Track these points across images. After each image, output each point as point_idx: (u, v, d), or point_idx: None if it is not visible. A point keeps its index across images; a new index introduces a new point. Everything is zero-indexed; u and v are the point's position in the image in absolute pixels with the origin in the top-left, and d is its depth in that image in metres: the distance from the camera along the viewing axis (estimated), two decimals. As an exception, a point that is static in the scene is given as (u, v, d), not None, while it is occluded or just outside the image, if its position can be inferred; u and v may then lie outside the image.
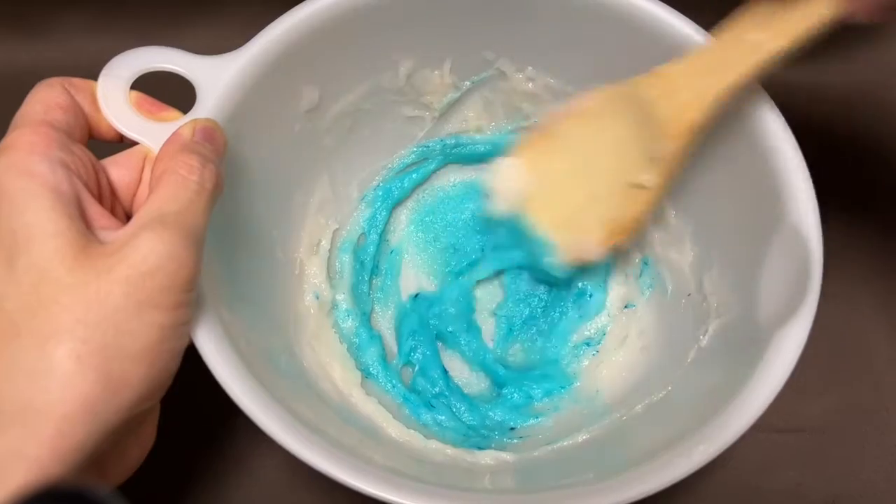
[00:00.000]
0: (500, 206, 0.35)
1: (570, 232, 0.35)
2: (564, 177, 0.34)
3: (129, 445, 0.27)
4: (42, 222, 0.24)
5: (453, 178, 0.42)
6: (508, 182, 0.34)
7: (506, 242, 0.38)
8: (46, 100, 0.27)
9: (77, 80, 0.28)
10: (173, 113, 0.30)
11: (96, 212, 0.26)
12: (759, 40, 0.29)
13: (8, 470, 0.21)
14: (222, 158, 0.28)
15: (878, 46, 0.46)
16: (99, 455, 0.24)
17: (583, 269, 0.38)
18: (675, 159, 0.32)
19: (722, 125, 0.32)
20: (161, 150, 0.27)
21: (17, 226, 0.24)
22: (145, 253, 0.23)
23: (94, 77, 0.29)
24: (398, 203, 0.41)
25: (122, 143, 0.30)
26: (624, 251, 0.37)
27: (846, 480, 0.38)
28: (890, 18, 0.25)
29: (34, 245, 0.23)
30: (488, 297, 0.40)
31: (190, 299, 0.25)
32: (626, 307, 0.38)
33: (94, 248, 0.24)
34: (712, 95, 0.29)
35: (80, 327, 0.23)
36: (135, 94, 0.29)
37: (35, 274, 0.23)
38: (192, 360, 0.26)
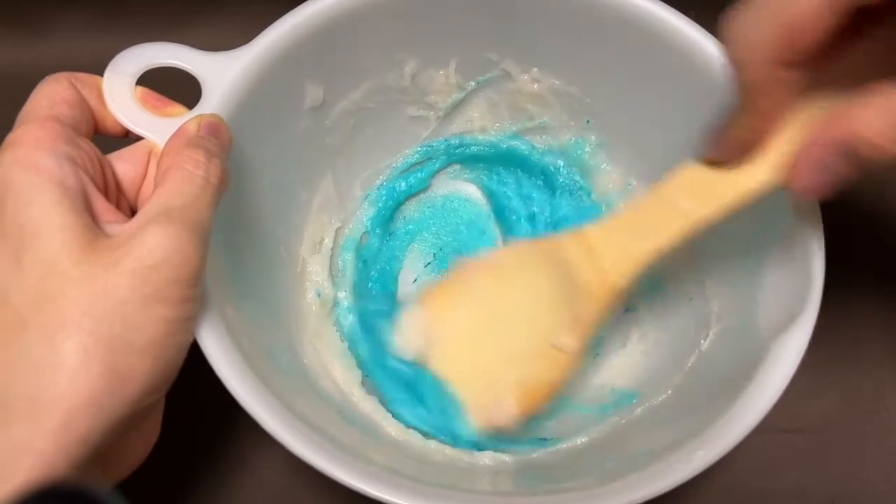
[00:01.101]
0: (404, 354, 0.31)
1: (480, 391, 0.31)
2: (476, 331, 0.31)
3: (134, 440, 0.27)
4: (48, 216, 0.24)
5: (456, 178, 0.42)
6: (410, 332, 0.31)
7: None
8: (52, 95, 0.27)
9: (83, 75, 0.28)
10: (179, 108, 0.30)
11: (102, 206, 0.26)
12: (687, 207, 0.27)
13: (14, 464, 0.22)
14: (227, 154, 0.28)
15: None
16: (103, 450, 0.24)
17: None
18: (595, 321, 0.30)
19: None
20: (166, 145, 0.27)
21: (23, 220, 0.24)
22: (151, 247, 0.23)
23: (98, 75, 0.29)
24: (401, 202, 0.41)
25: (127, 137, 0.30)
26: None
27: (847, 480, 0.38)
28: (826, 194, 0.24)
29: (41, 239, 0.23)
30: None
31: (195, 294, 0.25)
32: (626, 311, 0.38)
33: (100, 242, 0.24)
34: (636, 261, 0.29)
35: (87, 320, 0.23)
36: (140, 89, 0.30)
37: (42, 268, 0.23)
38: (191, 358, 0.26)
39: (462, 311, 0.32)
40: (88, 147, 0.27)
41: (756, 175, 0.26)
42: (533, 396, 0.31)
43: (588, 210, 0.39)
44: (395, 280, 0.40)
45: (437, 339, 0.31)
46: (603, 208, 0.39)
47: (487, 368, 0.31)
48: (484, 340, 0.31)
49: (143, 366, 0.23)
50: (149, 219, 0.24)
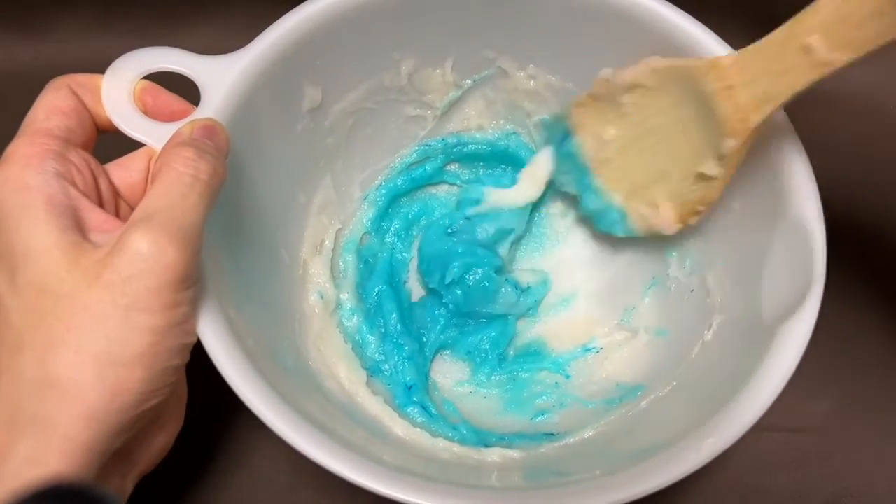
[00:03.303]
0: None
1: (638, 202, 0.35)
2: (632, 148, 0.34)
3: (154, 434, 0.27)
4: (36, 237, 0.24)
5: (454, 177, 0.42)
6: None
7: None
8: (49, 105, 0.27)
9: (82, 78, 0.29)
10: (180, 103, 0.30)
11: (97, 217, 0.26)
12: (824, 52, 0.26)
13: (23, 476, 0.22)
14: (224, 155, 0.28)
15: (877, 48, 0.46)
16: (121, 448, 0.24)
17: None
18: (737, 156, 0.30)
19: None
20: (162, 149, 0.28)
21: (14, 241, 0.24)
22: (130, 256, 0.23)
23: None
24: (400, 201, 0.41)
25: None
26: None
27: (847, 480, 0.38)
28: None
29: (30, 260, 0.24)
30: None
31: (185, 298, 0.25)
32: (628, 309, 0.38)
33: (87, 257, 0.24)
34: (772, 103, 0.28)
35: (73, 337, 0.23)
36: (142, 83, 0.30)
37: (34, 288, 0.24)
38: (191, 358, 0.26)
39: (618, 127, 0.34)
40: (79, 159, 0.27)
41: None
42: (685, 211, 0.33)
43: (585, 207, 0.39)
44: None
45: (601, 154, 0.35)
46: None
47: (643, 183, 0.34)
48: (636, 158, 0.34)
49: (134, 376, 0.23)
50: (129, 226, 0.24)
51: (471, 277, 0.37)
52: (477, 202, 0.39)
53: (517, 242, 0.40)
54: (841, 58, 0.26)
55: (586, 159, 0.36)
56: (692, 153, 0.32)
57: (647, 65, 0.32)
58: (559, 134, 0.37)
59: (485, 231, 0.38)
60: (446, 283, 0.37)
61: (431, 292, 0.39)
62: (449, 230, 0.39)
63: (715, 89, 0.29)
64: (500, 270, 0.38)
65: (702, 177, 0.32)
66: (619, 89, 0.33)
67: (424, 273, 0.39)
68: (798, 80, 0.27)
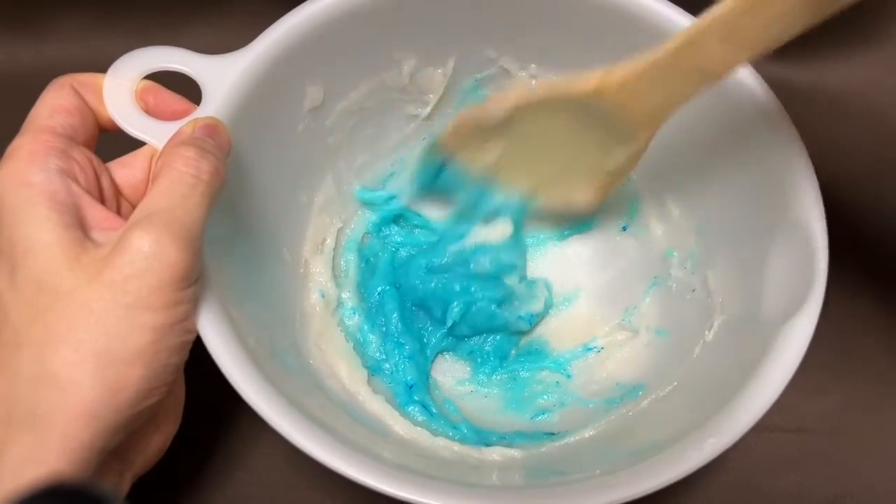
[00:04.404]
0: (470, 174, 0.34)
1: (552, 192, 0.35)
2: (526, 155, 0.33)
3: (151, 433, 0.27)
4: (38, 233, 0.24)
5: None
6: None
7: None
8: (52, 103, 0.27)
9: (84, 77, 0.29)
10: (178, 101, 0.30)
11: (99, 215, 0.26)
12: (720, 60, 0.25)
13: (21, 473, 0.22)
14: (226, 154, 0.28)
15: (876, 46, 0.46)
16: (118, 447, 0.24)
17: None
18: (648, 141, 0.30)
19: (726, 121, 0.32)
20: (163, 148, 0.28)
21: (15, 237, 0.24)
22: (131, 254, 0.23)
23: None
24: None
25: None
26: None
27: (847, 480, 0.38)
28: None
29: (31, 256, 0.24)
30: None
31: (186, 296, 0.25)
32: (630, 308, 0.38)
33: (88, 255, 0.24)
34: (673, 110, 0.28)
35: (72, 335, 0.23)
36: (144, 83, 0.30)
37: (33, 284, 0.24)
38: (189, 357, 0.26)
39: (496, 146, 0.33)
40: (82, 156, 0.27)
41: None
42: (600, 187, 0.34)
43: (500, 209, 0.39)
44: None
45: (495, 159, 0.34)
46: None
47: (549, 174, 0.34)
48: (533, 162, 0.34)
49: (133, 374, 0.23)
50: (131, 225, 0.24)
51: (473, 313, 0.37)
52: (461, 237, 0.38)
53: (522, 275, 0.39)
54: (738, 61, 0.26)
55: (478, 174, 0.35)
56: (595, 148, 0.31)
57: (521, 95, 0.31)
58: (435, 166, 0.36)
59: (480, 265, 0.38)
60: (448, 325, 0.37)
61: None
62: (436, 267, 0.38)
63: (607, 111, 0.29)
64: (504, 298, 0.38)
65: (612, 162, 0.32)
66: (491, 120, 0.32)
67: (423, 310, 0.39)
68: (694, 88, 0.27)
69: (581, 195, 0.34)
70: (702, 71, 0.26)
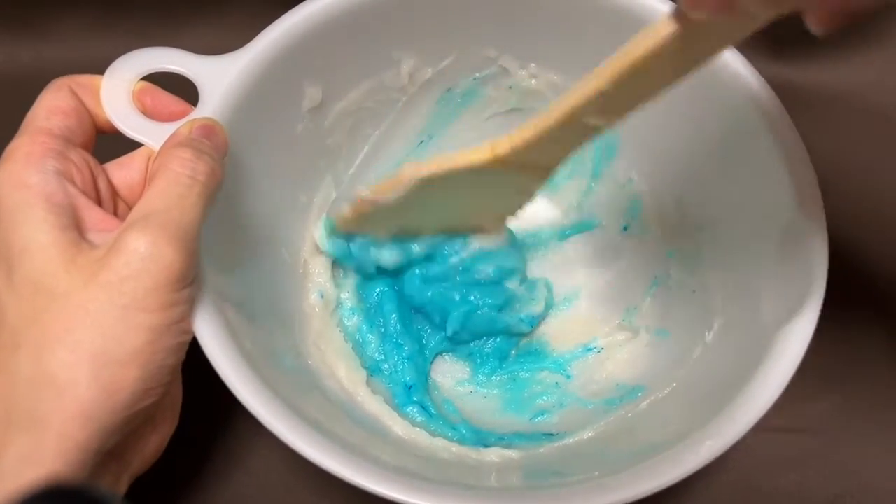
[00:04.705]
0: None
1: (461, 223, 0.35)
2: (432, 211, 0.34)
3: (148, 434, 0.27)
4: (34, 234, 0.24)
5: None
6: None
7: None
8: (49, 105, 0.27)
9: (82, 78, 0.29)
10: (175, 103, 0.30)
11: (96, 216, 0.26)
12: (606, 116, 0.26)
13: (19, 474, 0.22)
14: (223, 155, 0.28)
15: (876, 46, 0.46)
16: (115, 448, 0.24)
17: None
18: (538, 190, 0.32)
19: (727, 122, 0.32)
20: (159, 149, 0.28)
21: (12, 239, 0.24)
22: (128, 256, 0.23)
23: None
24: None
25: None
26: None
27: (847, 480, 0.37)
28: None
29: (27, 258, 0.24)
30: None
31: (182, 297, 0.25)
32: (630, 308, 0.38)
33: (84, 256, 0.24)
34: (568, 156, 0.29)
35: (69, 336, 0.23)
36: (141, 84, 0.30)
37: (30, 286, 0.24)
38: (188, 358, 0.26)
39: (398, 216, 0.34)
40: (79, 158, 0.27)
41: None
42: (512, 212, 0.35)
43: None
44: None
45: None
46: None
47: (458, 215, 0.35)
48: (441, 211, 0.34)
49: (129, 375, 0.24)
50: (127, 226, 0.24)
51: (474, 320, 0.37)
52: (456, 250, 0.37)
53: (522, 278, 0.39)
54: (626, 113, 0.26)
55: (385, 239, 0.36)
56: (495, 197, 0.33)
57: (415, 174, 0.31)
58: (341, 242, 0.36)
59: (483, 273, 0.37)
60: (448, 335, 0.37)
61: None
62: (431, 277, 0.37)
63: (501, 172, 0.30)
64: (505, 303, 0.37)
65: (513, 205, 0.34)
66: (389, 203, 0.32)
67: (422, 315, 0.38)
68: (587, 138, 0.28)
69: (489, 226, 0.36)
70: (589, 126, 0.27)
